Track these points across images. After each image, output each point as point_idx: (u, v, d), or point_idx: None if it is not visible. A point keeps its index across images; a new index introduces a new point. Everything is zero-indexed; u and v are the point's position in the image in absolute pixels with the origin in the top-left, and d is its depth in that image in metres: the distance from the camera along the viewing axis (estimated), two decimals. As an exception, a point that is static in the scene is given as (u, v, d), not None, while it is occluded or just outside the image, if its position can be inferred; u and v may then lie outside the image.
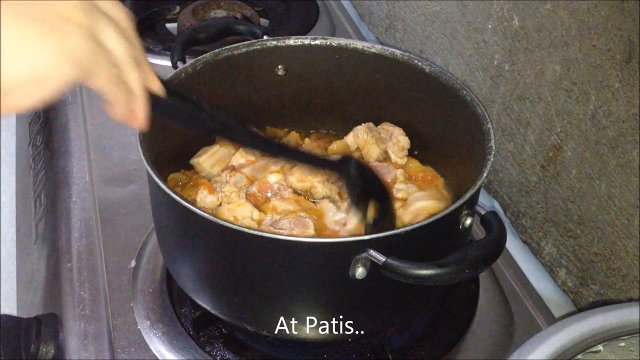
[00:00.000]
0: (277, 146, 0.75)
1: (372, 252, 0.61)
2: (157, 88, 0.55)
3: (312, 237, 0.74)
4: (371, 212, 0.74)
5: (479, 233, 0.89)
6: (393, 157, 0.89)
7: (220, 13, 1.38)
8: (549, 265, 0.94)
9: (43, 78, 0.43)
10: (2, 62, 0.41)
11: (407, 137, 0.90)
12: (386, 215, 0.76)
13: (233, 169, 0.85)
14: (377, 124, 0.92)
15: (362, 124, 0.91)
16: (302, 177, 0.82)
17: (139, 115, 0.52)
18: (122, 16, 0.50)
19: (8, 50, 0.41)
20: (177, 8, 1.44)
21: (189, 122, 0.62)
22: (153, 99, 0.54)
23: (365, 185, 0.76)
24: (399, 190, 0.84)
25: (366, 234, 0.73)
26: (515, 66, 0.94)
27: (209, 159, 0.86)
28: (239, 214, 0.77)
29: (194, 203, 0.71)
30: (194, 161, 0.86)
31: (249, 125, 0.67)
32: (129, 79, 0.50)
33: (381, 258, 0.61)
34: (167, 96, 0.56)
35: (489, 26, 0.99)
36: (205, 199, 0.80)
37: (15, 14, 0.42)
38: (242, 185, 0.82)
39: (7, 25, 0.41)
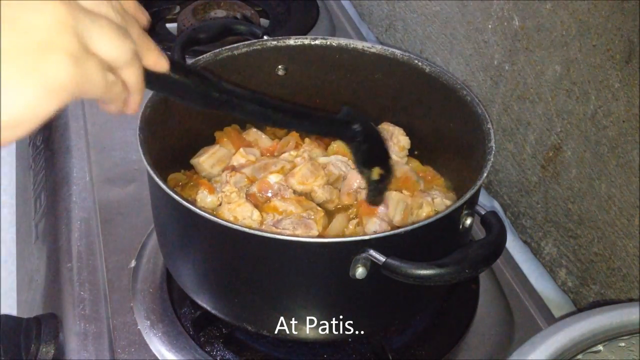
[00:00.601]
0: (287, 114, 0.66)
1: (372, 252, 0.61)
2: (161, 66, 0.50)
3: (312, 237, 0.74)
4: (374, 174, 0.74)
5: (479, 233, 0.89)
6: (393, 157, 0.89)
7: (220, 13, 1.38)
8: (549, 265, 0.94)
9: (28, 117, 0.39)
10: None
11: (407, 137, 0.90)
12: (386, 177, 0.76)
13: (233, 169, 0.85)
14: (377, 124, 0.92)
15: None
16: (302, 180, 0.82)
17: (134, 106, 0.48)
18: (113, 5, 0.45)
19: None
20: (177, 8, 1.44)
21: (194, 96, 0.56)
22: (156, 77, 0.50)
23: (370, 148, 0.75)
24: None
25: (368, 196, 0.75)
26: (515, 66, 0.94)
27: (209, 159, 0.86)
28: (239, 214, 0.77)
29: (194, 203, 0.71)
30: (194, 161, 0.86)
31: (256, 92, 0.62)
32: (125, 78, 0.46)
33: (381, 258, 0.61)
34: (171, 73, 0.51)
35: (489, 26, 0.99)
36: (205, 199, 0.80)
37: None
38: (242, 185, 0.82)
39: None
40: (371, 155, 0.75)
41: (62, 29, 0.39)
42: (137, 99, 0.48)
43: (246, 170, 0.84)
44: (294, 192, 0.82)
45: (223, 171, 0.85)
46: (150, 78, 0.49)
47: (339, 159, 0.87)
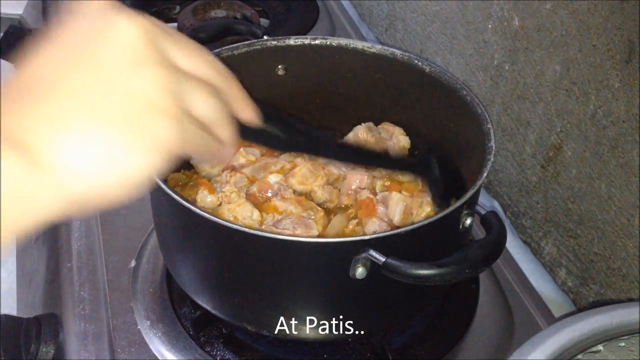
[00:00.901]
0: (365, 155, 0.75)
1: (372, 252, 0.61)
2: (254, 121, 0.52)
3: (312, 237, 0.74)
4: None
5: (479, 233, 0.89)
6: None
7: (220, 13, 1.38)
8: (549, 265, 0.94)
9: (138, 178, 0.40)
10: (93, 177, 0.38)
11: (407, 137, 0.90)
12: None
13: (233, 169, 0.85)
14: (377, 124, 0.92)
15: (362, 124, 0.91)
16: (302, 180, 0.82)
17: (228, 158, 0.50)
18: (203, 62, 0.46)
19: (96, 165, 0.38)
20: (177, 8, 1.45)
21: (284, 145, 0.60)
22: (250, 130, 0.53)
23: (446, 182, 0.77)
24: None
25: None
26: (515, 66, 0.94)
27: (209, 159, 0.86)
28: (239, 214, 0.77)
29: (194, 203, 0.71)
30: (194, 161, 0.86)
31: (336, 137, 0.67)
32: (220, 135, 0.46)
33: (381, 258, 0.61)
34: (263, 126, 0.54)
35: (489, 26, 0.99)
36: (205, 199, 0.80)
37: (97, 124, 0.38)
38: (242, 185, 0.82)
39: (90, 138, 0.38)
40: (448, 188, 0.77)
41: (164, 93, 0.40)
42: (230, 151, 0.49)
43: (246, 170, 0.84)
44: (294, 192, 0.82)
45: (223, 171, 0.85)
46: (245, 131, 0.52)
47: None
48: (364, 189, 0.82)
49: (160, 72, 0.40)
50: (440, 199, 0.77)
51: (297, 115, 0.60)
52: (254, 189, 0.81)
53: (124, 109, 0.39)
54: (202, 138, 0.44)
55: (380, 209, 0.79)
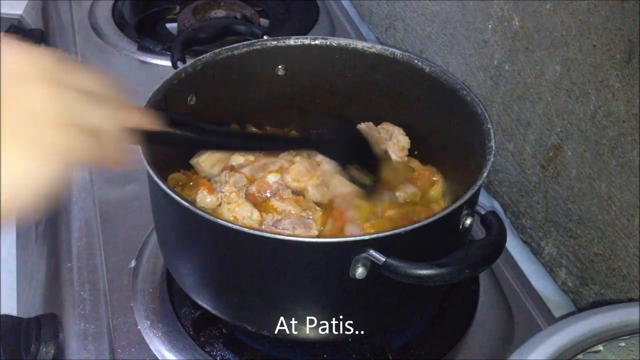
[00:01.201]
0: (266, 140, 0.79)
1: (372, 252, 0.61)
2: (146, 125, 0.55)
3: (312, 237, 0.74)
4: (366, 179, 0.78)
5: (479, 233, 0.89)
6: (393, 156, 0.89)
7: (220, 13, 1.38)
8: (549, 265, 0.94)
9: (27, 182, 0.44)
10: None
11: (407, 137, 0.90)
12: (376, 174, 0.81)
13: (232, 169, 0.85)
14: (377, 124, 0.92)
15: (362, 123, 0.91)
16: (297, 177, 0.82)
17: (124, 164, 0.53)
18: (91, 79, 0.50)
19: None
20: (177, 8, 1.45)
21: (183, 145, 0.64)
22: (149, 135, 0.55)
23: (349, 150, 0.81)
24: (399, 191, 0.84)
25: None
26: (515, 66, 0.94)
27: (208, 159, 0.86)
28: (239, 214, 0.77)
29: (193, 203, 0.71)
30: (193, 161, 0.86)
31: (234, 126, 0.69)
32: (111, 141, 0.50)
33: (381, 258, 0.61)
34: (166, 127, 0.58)
35: (489, 26, 0.99)
36: (205, 199, 0.80)
37: None
38: (241, 185, 0.82)
39: None
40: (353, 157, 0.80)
41: (51, 106, 0.45)
42: (125, 157, 0.53)
43: (245, 170, 0.84)
44: (289, 189, 0.82)
45: (222, 171, 0.85)
46: (151, 137, 0.55)
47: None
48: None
49: (47, 88, 0.46)
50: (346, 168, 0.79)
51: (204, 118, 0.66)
52: (253, 188, 0.82)
53: (12, 118, 0.43)
54: (92, 145, 0.48)
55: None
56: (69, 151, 0.46)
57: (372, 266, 0.62)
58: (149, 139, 0.56)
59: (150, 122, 0.56)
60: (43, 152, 0.45)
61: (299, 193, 0.82)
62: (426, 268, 0.60)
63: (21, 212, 0.45)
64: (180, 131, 0.61)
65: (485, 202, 1.05)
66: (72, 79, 0.48)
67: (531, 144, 0.94)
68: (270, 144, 0.80)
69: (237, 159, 0.86)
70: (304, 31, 1.37)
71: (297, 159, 0.85)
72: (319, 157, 0.86)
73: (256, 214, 0.77)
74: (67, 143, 0.46)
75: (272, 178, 0.83)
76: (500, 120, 1.00)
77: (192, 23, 1.34)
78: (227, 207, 0.78)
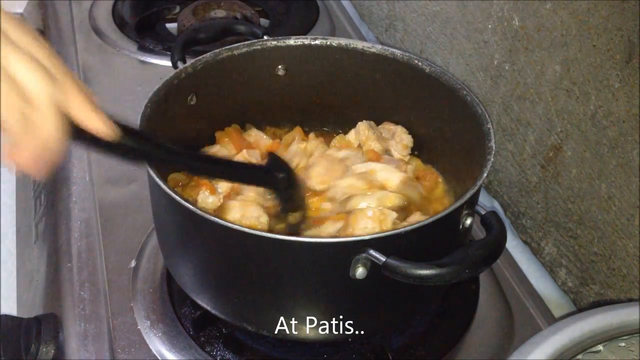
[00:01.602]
0: (220, 166, 0.75)
1: (373, 252, 0.61)
2: (101, 130, 0.52)
3: (312, 237, 0.74)
4: (292, 218, 0.78)
5: (479, 233, 0.89)
6: (396, 155, 0.89)
7: (220, 13, 1.38)
8: (549, 265, 0.94)
9: None
10: None
11: (409, 135, 0.90)
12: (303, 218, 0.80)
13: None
14: (377, 123, 0.92)
15: (364, 121, 0.91)
16: (320, 179, 0.83)
17: (43, 167, 0.48)
18: (42, 51, 0.48)
19: None
20: (177, 8, 1.45)
21: (138, 158, 0.64)
22: (100, 140, 0.53)
23: (293, 195, 0.79)
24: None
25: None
26: (515, 66, 0.94)
27: (209, 159, 0.86)
28: (248, 212, 0.77)
29: (194, 203, 0.71)
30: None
31: (191, 150, 0.70)
32: (39, 120, 0.46)
33: (381, 258, 0.61)
34: (118, 138, 0.55)
35: (489, 26, 0.99)
36: (206, 199, 0.80)
37: None
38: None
39: None
40: (294, 201, 0.79)
41: None
42: (48, 156, 0.48)
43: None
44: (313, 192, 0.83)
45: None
46: (99, 143, 0.53)
47: (352, 153, 0.87)
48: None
49: None
50: (284, 211, 0.78)
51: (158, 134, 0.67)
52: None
53: None
54: (16, 103, 0.45)
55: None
56: None
57: (372, 266, 0.62)
58: (82, 137, 0.52)
59: (91, 119, 0.51)
60: None
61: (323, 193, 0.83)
62: (426, 268, 0.60)
63: None
64: (130, 143, 0.58)
65: (485, 202, 1.05)
66: (20, 36, 0.46)
67: (531, 144, 0.94)
68: (226, 173, 0.75)
69: (239, 159, 0.86)
70: (304, 31, 1.37)
71: (312, 159, 0.86)
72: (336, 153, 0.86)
73: (264, 219, 0.77)
74: None
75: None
76: (500, 120, 1.00)
77: (192, 23, 1.34)
78: (240, 197, 0.79)
